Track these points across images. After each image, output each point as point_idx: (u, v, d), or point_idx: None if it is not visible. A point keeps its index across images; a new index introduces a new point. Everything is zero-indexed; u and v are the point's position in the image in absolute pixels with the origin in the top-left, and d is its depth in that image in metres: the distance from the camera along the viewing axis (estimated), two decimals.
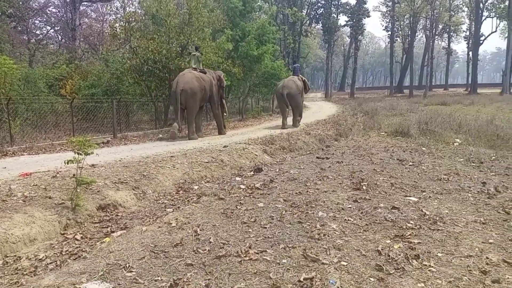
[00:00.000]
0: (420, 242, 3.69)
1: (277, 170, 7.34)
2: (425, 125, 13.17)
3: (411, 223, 4.17)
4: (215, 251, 3.54)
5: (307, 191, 5.58)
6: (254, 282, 2.98)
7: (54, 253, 3.88)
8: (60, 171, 6.15)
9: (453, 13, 50.47)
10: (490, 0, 43.94)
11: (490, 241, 3.74)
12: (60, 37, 28.87)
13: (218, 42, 16.68)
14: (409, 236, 3.82)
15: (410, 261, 3.28)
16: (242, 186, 6.08)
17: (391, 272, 3.11)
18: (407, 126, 13.13)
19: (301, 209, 4.72)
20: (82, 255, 3.72)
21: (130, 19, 14.43)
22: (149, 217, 4.92)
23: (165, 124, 14.73)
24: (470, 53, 48.49)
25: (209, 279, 3.02)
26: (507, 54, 35.92)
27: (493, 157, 8.65)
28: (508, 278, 3.02)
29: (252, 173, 7.33)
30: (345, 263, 3.26)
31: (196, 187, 6.32)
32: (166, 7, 13.98)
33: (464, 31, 53.73)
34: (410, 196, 5.29)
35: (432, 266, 3.19)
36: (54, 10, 27.88)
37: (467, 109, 21.19)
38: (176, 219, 4.51)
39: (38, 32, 26.24)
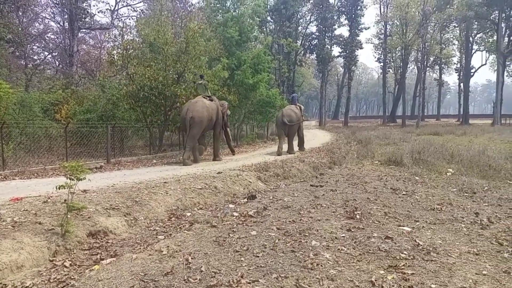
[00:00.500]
0: (413, 273, 3.66)
1: (271, 198, 7.32)
2: (418, 154, 13.28)
3: (405, 254, 4.15)
4: (206, 281, 3.48)
5: (300, 220, 5.55)
6: None
7: (42, 281, 3.79)
8: (51, 196, 6.08)
9: (444, 46, 51.99)
10: (479, 35, 45.40)
11: (484, 272, 3.73)
12: (57, 62, 29.21)
13: (214, 70, 16.97)
14: (402, 267, 3.79)
15: None
16: (235, 214, 6.04)
17: None
18: (400, 155, 13.23)
19: (295, 238, 4.68)
20: (70, 283, 3.64)
21: (128, 46, 14.69)
22: (140, 244, 4.84)
23: (159, 150, 14.73)
24: (462, 84, 49.60)
25: None
26: (497, 86, 36.77)
27: (486, 188, 8.71)
28: None
29: (245, 200, 7.30)
30: None
31: (188, 214, 6.26)
32: (164, 36, 14.30)
33: (455, 63, 55.19)
34: (403, 226, 5.28)
35: None
36: (52, 36, 28.33)
37: (459, 139, 21.44)
38: (168, 246, 4.45)
39: (35, 57, 26.53)
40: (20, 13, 23.61)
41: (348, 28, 48.11)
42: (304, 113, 16.96)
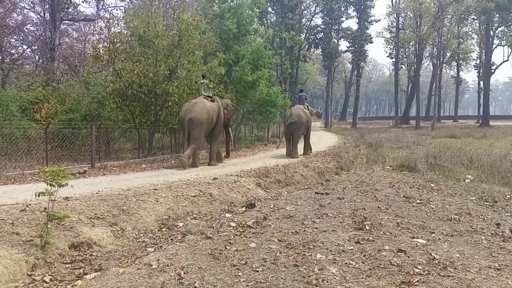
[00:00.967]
0: None
1: (272, 206, 7.33)
2: (434, 159, 13.32)
3: (419, 268, 4.16)
4: None
5: (304, 231, 5.56)
6: None
7: None
8: (29, 204, 6.08)
9: (462, 41, 51.79)
10: (501, 28, 45.46)
11: None
12: (37, 57, 29.21)
13: (209, 66, 17.01)
14: (416, 283, 3.79)
15: None
16: (232, 224, 6.04)
17: None
18: (414, 160, 13.26)
19: (298, 251, 4.69)
20: None
21: (115, 40, 14.70)
22: (127, 257, 4.84)
23: (149, 153, 14.74)
24: (481, 82, 49.73)
25: None
26: None
27: (508, 196, 8.73)
28: None
29: (244, 209, 7.31)
30: None
31: (181, 224, 6.27)
32: (154, 28, 14.33)
33: (474, 59, 55.26)
34: (417, 238, 5.28)
35: None
36: (32, 28, 28.30)
37: (478, 142, 21.51)
38: (158, 260, 4.45)
39: (13, 51, 26.54)
40: None
41: (357, 20, 48.36)
42: (320, 111, 17.24)
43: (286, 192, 9.38)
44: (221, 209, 7.48)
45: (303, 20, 48.38)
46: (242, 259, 4.43)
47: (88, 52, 25.18)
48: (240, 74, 19.17)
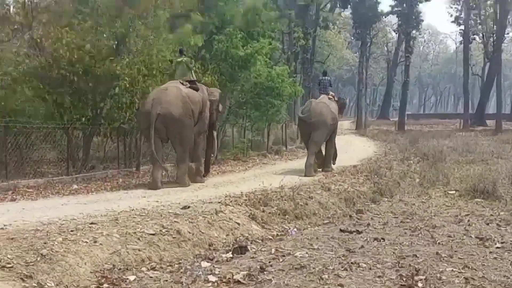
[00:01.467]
0: None
1: (273, 251, 7.30)
2: None
3: None
4: None
5: None
6: None
7: None
8: None
9: None
10: None
11: None
12: None
13: (179, 34, 16.98)
14: None
15: None
16: (212, 278, 6.01)
17: None
18: (492, 181, 13.22)
19: None
20: None
21: None
22: None
23: (83, 167, 14.65)
24: None
25: None
26: None
27: None
28: None
29: (230, 255, 7.28)
30: None
31: (132, 278, 6.22)
32: None
33: None
34: None
35: None
36: None
37: None
38: None
39: None
40: None
41: None
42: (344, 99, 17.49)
43: (295, 230, 9.35)
44: (195, 254, 7.45)
45: None
46: None
47: None
48: (226, 47, 19.18)
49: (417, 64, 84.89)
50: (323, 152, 17.07)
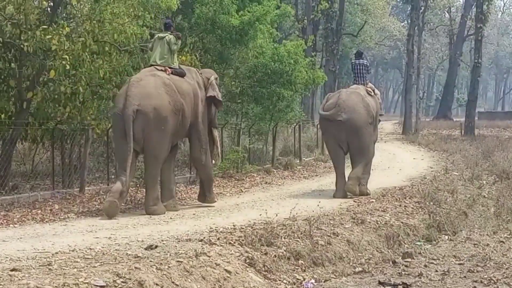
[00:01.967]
0: None
1: None
2: None
3: None
4: None
5: None
6: None
7: None
8: None
9: None
10: None
11: None
12: None
13: None
14: None
15: None
16: None
17: None
18: None
19: None
20: None
21: None
22: None
23: (1, 188, 14.69)
24: None
25: None
26: None
27: None
28: None
29: None
30: None
31: None
32: None
33: None
34: None
35: None
36: None
37: None
38: None
39: None
40: None
41: None
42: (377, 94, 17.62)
43: (312, 282, 9.33)
44: None
45: None
46: None
47: None
48: (212, 12, 19.32)
49: (491, 39, 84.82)
50: (353, 166, 17.07)
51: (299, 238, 10.86)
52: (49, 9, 14.80)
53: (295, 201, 14.58)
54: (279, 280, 9.41)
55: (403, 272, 9.69)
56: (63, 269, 7.95)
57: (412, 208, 14.70)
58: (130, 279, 7.91)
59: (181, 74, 13.68)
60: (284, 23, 26.22)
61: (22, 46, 14.20)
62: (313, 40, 38.26)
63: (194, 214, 13.31)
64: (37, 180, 16.58)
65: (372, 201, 15.32)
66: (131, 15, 15.65)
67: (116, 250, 9.20)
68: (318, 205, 13.84)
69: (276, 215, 11.95)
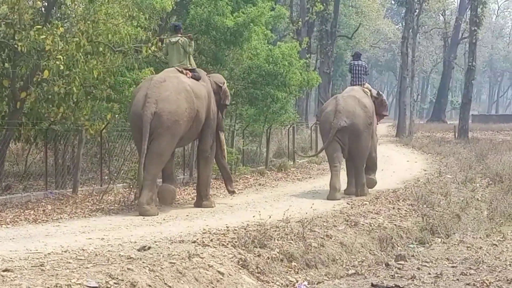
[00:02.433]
0: None
1: None
2: None
3: None
4: None
5: None
6: None
7: None
8: None
9: None
10: None
11: None
12: None
13: None
14: None
15: None
16: None
17: None
18: None
19: None
20: None
21: None
22: None
23: None
24: None
25: None
26: None
27: None
28: None
29: None
30: None
31: None
32: None
33: None
34: None
35: None
36: None
37: None
38: None
39: None
40: None
41: None
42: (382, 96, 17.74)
43: (305, 284, 9.34)
44: None
45: None
46: None
47: None
48: (207, 13, 19.32)
49: (486, 41, 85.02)
50: (354, 168, 17.18)
51: (292, 240, 10.88)
52: (43, 9, 14.78)
53: (289, 203, 14.61)
54: (272, 282, 9.42)
55: (396, 275, 9.67)
56: (56, 270, 7.94)
57: (405, 210, 14.72)
58: (122, 280, 7.90)
59: (198, 78, 13.84)
60: (279, 25, 26.24)
61: (16, 46, 14.15)
62: (308, 42, 38.30)
63: (187, 215, 13.31)
64: (30, 180, 16.55)
65: (366, 204, 15.34)
66: (126, 16, 15.64)
67: (109, 251, 9.20)
68: (311, 207, 13.92)
69: (270, 217, 11.94)
